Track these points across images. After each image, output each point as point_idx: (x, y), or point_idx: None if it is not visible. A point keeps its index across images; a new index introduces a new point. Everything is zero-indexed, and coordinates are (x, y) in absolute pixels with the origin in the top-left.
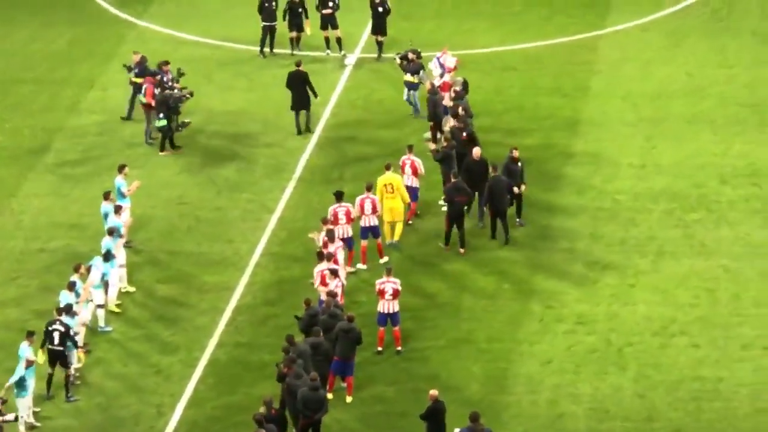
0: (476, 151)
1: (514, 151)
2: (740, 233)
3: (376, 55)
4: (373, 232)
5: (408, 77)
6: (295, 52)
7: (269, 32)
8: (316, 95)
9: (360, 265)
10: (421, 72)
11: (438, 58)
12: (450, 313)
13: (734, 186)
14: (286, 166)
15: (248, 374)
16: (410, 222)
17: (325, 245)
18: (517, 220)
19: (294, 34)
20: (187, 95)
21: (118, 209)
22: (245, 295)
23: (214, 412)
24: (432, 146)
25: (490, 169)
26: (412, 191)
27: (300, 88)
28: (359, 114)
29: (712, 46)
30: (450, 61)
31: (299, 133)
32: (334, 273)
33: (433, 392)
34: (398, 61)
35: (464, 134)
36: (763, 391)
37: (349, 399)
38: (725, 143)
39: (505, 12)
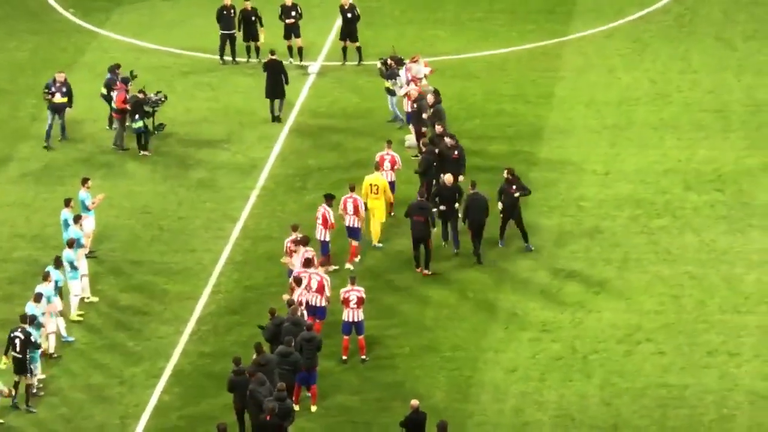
0: (448, 178)
1: (505, 172)
2: (705, 239)
3: (341, 63)
4: (353, 233)
5: (387, 84)
6: (251, 60)
7: (228, 40)
8: (287, 82)
9: (348, 265)
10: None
11: (406, 66)
12: (414, 322)
13: (699, 192)
14: (249, 175)
15: (213, 384)
16: (393, 214)
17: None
18: (525, 245)
19: (250, 43)
20: (163, 98)
21: (77, 219)
22: (209, 305)
23: (178, 422)
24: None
25: (468, 187)
26: (389, 186)
27: (275, 76)
28: (322, 122)
29: (675, 52)
30: (418, 69)
31: (273, 120)
32: (298, 282)
33: (414, 402)
34: (379, 66)
35: (455, 152)
36: (728, 398)
37: (314, 408)
38: (690, 149)
39: (468, 19)
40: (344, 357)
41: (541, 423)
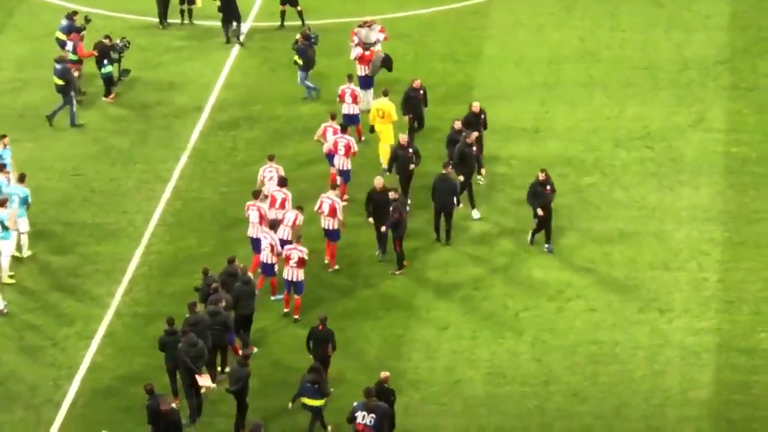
0: (378, 182)
1: (541, 174)
2: (635, 196)
3: (278, 24)
4: (329, 235)
5: (296, 58)
6: (185, 22)
7: (164, 2)
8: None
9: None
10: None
11: (354, 30)
12: (346, 281)
13: (628, 149)
14: (181, 136)
15: (146, 344)
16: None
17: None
18: (546, 245)
19: (185, 6)
20: (127, 44)
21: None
22: (141, 266)
23: (112, 382)
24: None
25: (443, 167)
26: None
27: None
28: (252, 83)
29: (604, 10)
30: (367, 35)
31: (227, 42)
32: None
33: (385, 374)
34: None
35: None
36: (659, 354)
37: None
38: (619, 107)
39: None
40: (285, 310)
41: (473, 380)
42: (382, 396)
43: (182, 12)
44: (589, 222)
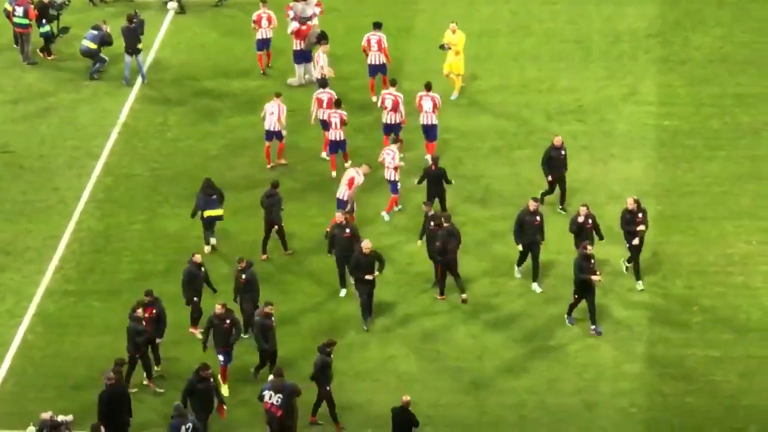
0: (366, 244)
1: (556, 138)
2: (568, 170)
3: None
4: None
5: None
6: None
7: None
8: None
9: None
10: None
11: (289, 5)
12: (277, 256)
13: (560, 122)
14: (111, 112)
15: (77, 322)
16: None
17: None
18: (560, 207)
19: None
20: (67, 1)
21: None
22: (72, 243)
23: (43, 361)
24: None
25: (431, 165)
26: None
27: None
28: (182, 58)
29: None
30: (303, 9)
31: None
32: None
33: (406, 398)
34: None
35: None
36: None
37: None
38: (550, 80)
39: None
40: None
41: (407, 356)
42: (403, 419)
43: None
44: (521, 197)
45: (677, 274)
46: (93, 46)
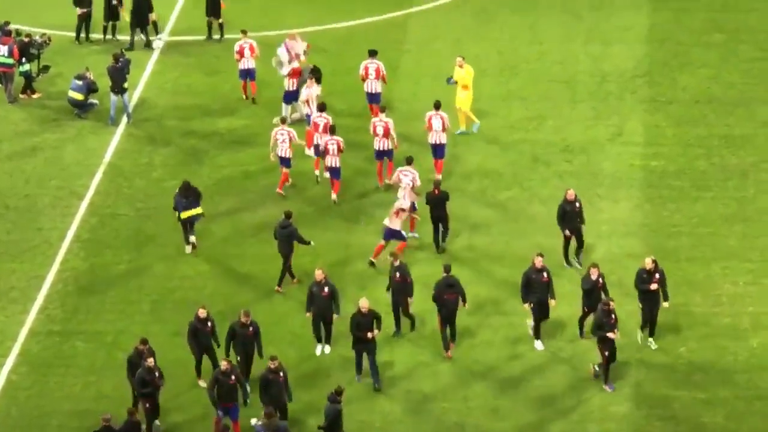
0: (363, 303)
1: (569, 192)
2: (553, 210)
3: (205, 38)
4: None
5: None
6: (108, 38)
7: (85, 19)
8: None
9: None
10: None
11: (285, 44)
12: (264, 296)
13: (547, 163)
14: (96, 152)
15: (62, 362)
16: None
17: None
18: (576, 259)
19: (108, 23)
20: (48, 41)
21: None
22: (56, 283)
23: (27, 401)
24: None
25: (434, 189)
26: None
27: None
28: (168, 98)
29: (522, 23)
30: (297, 46)
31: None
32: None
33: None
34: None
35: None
36: (579, 369)
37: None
38: (537, 120)
39: None
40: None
41: (392, 396)
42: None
43: (105, 29)
44: (508, 236)
45: (664, 315)
46: (80, 97)
